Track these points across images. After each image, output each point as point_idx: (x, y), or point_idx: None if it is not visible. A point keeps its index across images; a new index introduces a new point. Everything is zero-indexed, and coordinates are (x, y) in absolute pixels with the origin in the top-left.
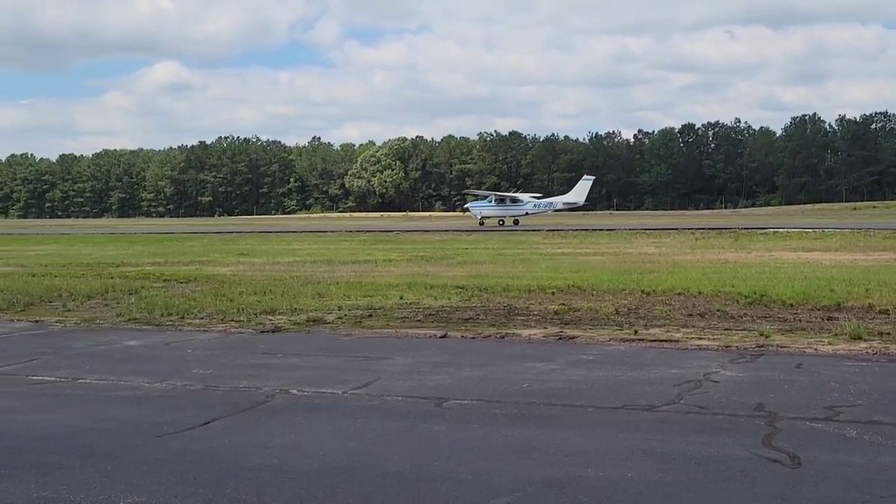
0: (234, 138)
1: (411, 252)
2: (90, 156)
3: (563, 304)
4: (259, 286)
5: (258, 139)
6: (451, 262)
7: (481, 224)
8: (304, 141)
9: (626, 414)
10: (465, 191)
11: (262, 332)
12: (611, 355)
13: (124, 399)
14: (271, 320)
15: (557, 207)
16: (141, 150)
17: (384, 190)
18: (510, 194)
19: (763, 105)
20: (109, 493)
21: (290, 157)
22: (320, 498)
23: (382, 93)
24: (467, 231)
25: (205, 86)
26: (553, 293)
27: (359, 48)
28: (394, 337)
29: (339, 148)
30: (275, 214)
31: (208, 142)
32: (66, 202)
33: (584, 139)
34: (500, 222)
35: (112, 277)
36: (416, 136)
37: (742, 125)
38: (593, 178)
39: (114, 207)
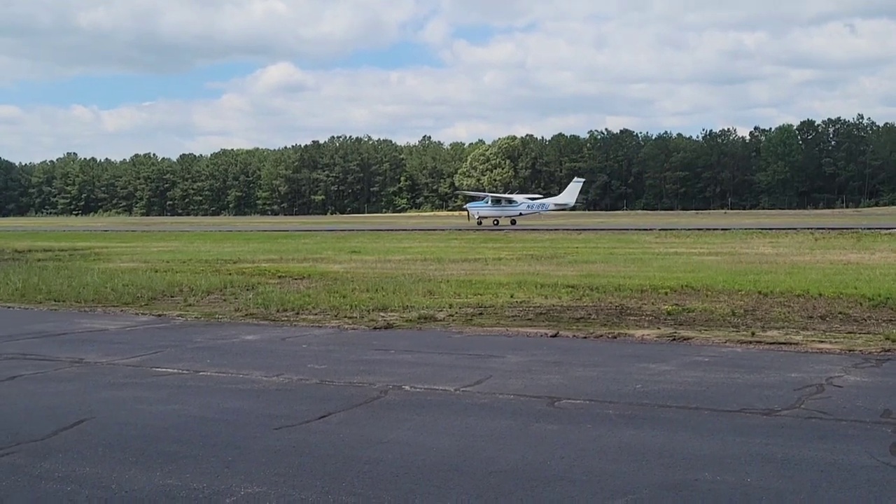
0: (346, 137)
1: (521, 251)
2: (208, 155)
3: (677, 304)
4: (371, 283)
5: (369, 138)
6: (561, 261)
7: (479, 223)
8: (414, 140)
9: (743, 418)
10: (457, 190)
11: (375, 328)
12: (727, 357)
13: (243, 392)
14: (383, 317)
15: (549, 208)
16: (256, 149)
17: (493, 189)
18: (505, 195)
19: (887, 101)
20: (230, 482)
21: (401, 157)
22: (434, 494)
23: (492, 92)
24: (577, 230)
25: (317, 86)
26: (666, 293)
27: (468, 47)
28: (504, 335)
29: (449, 147)
30: (385, 213)
31: (321, 141)
32: (186, 200)
33: (697, 137)
34: (495, 222)
35: (230, 274)
36: (526, 135)
37: (865, 121)
38: (583, 180)
39: (231, 205)
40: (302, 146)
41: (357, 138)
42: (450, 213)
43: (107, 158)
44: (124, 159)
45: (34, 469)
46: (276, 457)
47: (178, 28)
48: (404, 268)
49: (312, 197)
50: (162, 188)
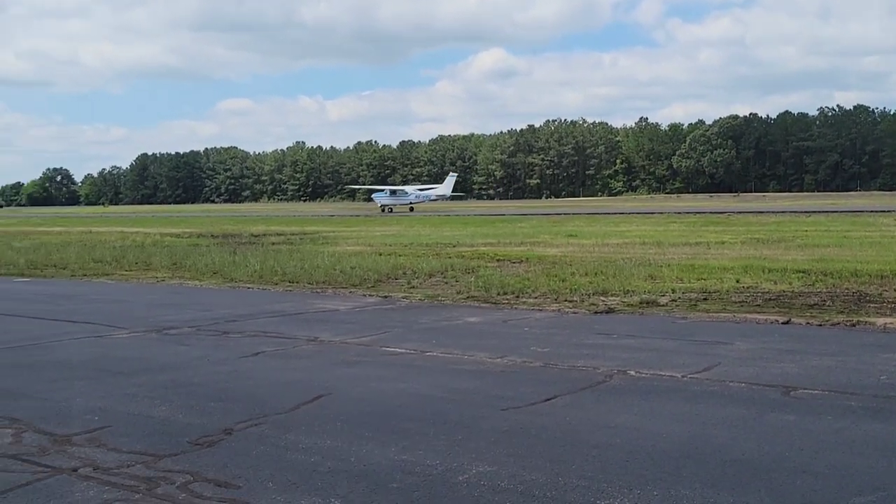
0: (561, 121)
1: (745, 234)
2: (426, 142)
3: None
4: (590, 267)
5: (584, 121)
6: (789, 245)
7: (382, 210)
8: (630, 122)
9: None
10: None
11: (596, 312)
12: None
13: (469, 372)
14: (604, 301)
15: (432, 198)
16: (472, 135)
17: (714, 170)
18: (400, 187)
19: None
20: (461, 460)
21: (617, 139)
22: (666, 480)
23: (709, 70)
24: (805, 212)
25: (529, 70)
26: None
27: (682, 25)
28: (732, 321)
29: (666, 128)
30: (600, 196)
31: (536, 125)
32: (406, 185)
33: None
34: (390, 210)
35: (449, 257)
36: (749, 114)
37: None
38: (457, 174)
39: None
40: (517, 130)
41: (572, 121)
42: (667, 195)
43: (331, 146)
44: (347, 147)
45: (280, 440)
46: (505, 437)
47: (394, 18)
48: (623, 251)
49: (527, 181)
50: (383, 174)
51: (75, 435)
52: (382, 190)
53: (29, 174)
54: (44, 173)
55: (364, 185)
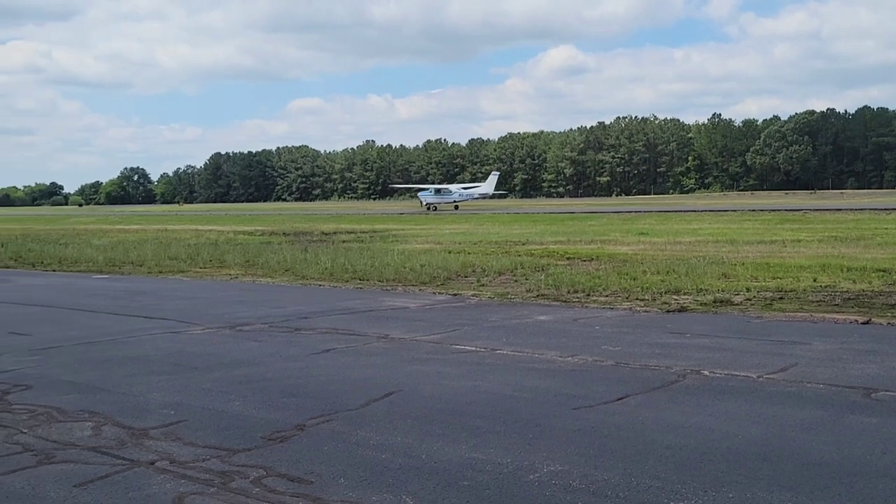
0: (631, 118)
1: (822, 232)
2: (496, 139)
3: None
4: (661, 266)
5: (655, 118)
6: (869, 244)
7: (427, 209)
8: (702, 118)
9: None
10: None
11: (668, 311)
12: None
13: (539, 371)
14: (676, 300)
15: (475, 196)
16: (541, 132)
17: (790, 167)
18: (444, 186)
19: None
20: (532, 459)
21: (689, 136)
22: (742, 483)
23: (784, 65)
24: (885, 209)
25: (599, 67)
26: None
27: (756, 19)
28: (809, 321)
29: (740, 124)
30: (672, 194)
31: (606, 122)
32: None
33: None
34: (434, 208)
35: (519, 255)
36: (826, 109)
37: None
38: (499, 172)
39: (517, 188)
40: (587, 128)
41: (643, 118)
42: (740, 192)
43: (401, 144)
44: (417, 145)
45: (351, 436)
46: (576, 436)
47: (463, 16)
48: (695, 250)
49: (598, 179)
50: (452, 172)
51: (152, 429)
52: (427, 189)
53: (107, 174)
54: (121, 172)
55: (434, 183)
